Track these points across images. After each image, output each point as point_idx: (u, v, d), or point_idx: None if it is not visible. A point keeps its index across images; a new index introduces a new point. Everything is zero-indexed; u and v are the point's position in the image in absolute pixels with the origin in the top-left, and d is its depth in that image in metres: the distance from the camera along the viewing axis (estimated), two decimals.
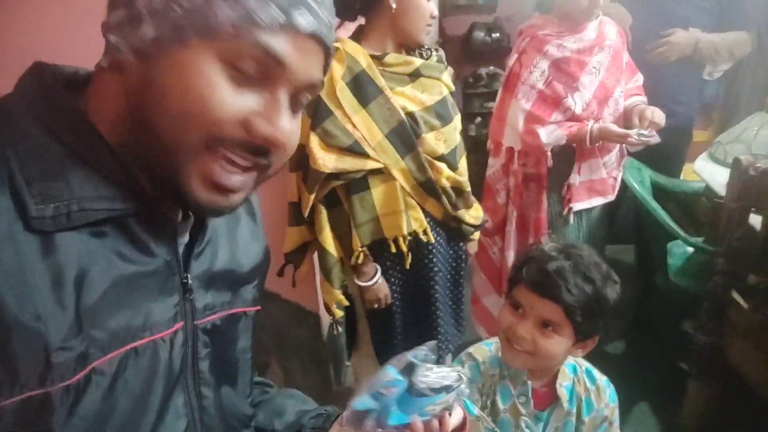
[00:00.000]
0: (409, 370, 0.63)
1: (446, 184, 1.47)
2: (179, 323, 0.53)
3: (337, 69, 1.31)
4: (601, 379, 1.14)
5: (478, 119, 4.32)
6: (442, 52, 1.64)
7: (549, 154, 1.87)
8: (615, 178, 2.01)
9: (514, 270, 1.07)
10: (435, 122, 1.42)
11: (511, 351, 1.02)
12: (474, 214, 1.61)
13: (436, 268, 1.56)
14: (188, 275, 0.54)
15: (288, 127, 0.48)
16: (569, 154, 1.90)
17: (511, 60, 1.95)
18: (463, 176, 1.54)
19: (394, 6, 1.31)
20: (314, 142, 1.32)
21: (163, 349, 0.51)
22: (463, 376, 0.65)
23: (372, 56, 1.35)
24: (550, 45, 1.82)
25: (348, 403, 0.62)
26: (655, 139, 1.75)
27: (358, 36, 1.42)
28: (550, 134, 1.82)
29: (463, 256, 1.66)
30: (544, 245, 1.07)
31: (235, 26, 0.43)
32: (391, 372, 0.63)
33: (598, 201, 1.99)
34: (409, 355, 0.64)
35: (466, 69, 4.55)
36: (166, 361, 0.52)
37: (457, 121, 1.52)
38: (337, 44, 1.34)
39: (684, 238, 1.91)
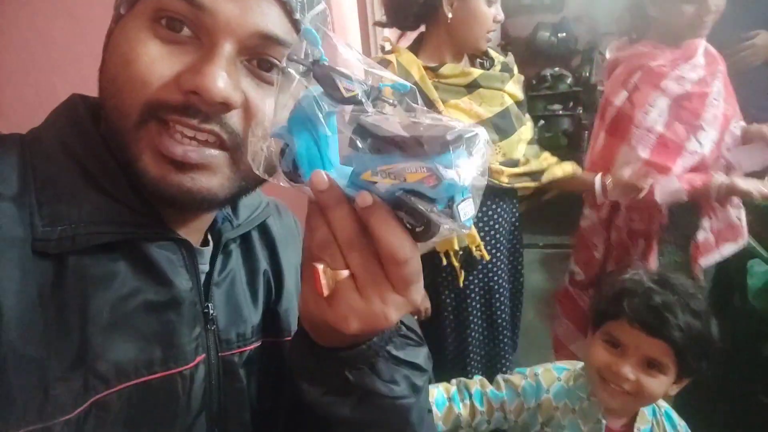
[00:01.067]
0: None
1: (509, 182, 1.36)
2: (200, 356, 0.49)
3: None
4: (681, 424, 1.02)
5: (541, 122, 4.17)
6: (510, 58, 1.48)
7: (664, 211, 1.53)
8: (740, 219, 1.63)
9: (606, 302, 0.97)
10: (492, 136, 1.33)
11: (608, 391, 0.93)
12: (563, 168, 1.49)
13: (495, 285, 1.46)
14: (209, 305, 0.51)
15: (223, 78, 0.41)
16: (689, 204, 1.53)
17: (616, 96, 1.59)
18: (532, 163, 1.42)
19: (450, 15, 1.25)
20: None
21: (182, 384, 0.47)
22: (479, 138, 0.33)
23: (427, 67, 1.29)
24: (668, 79, 1.47)
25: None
26: None
27: (416, 45, 1.38)
28: (667, 190, 1.46)
29: (520, 269, 1.56)
30: (637, 274, 0.97)
31: None
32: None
33: (730, 249, 1.60)
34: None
35: (529, 71, 4.40)
36: (185, 397, 0.48)
37: (523, 132, 1.41)
38: (392, 56, 1.29)
39: (766, 257, 1.74)
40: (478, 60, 1.40)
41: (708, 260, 1.59)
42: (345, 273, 0.37)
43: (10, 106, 1.38)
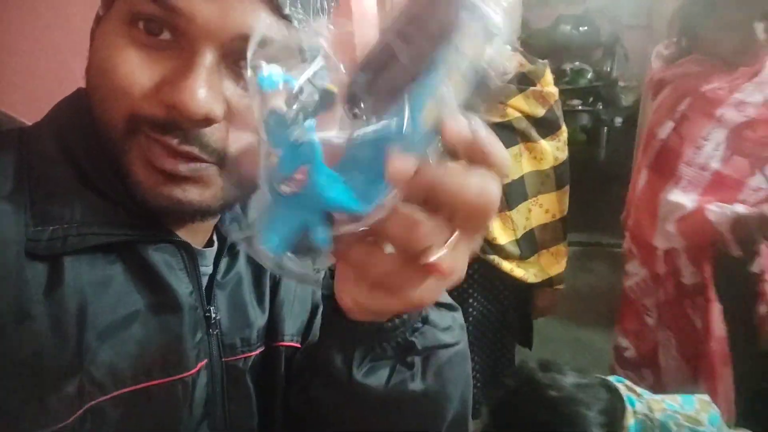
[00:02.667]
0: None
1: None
2: (202, 362, 0.48)
3: None
4: None
5: None
6: (538, 67, 1.39)
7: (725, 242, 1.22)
8: None
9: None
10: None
11: None
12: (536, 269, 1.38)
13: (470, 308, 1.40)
14: (212, 308, 0.49)
15: (204, 90, 0.38)
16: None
17: (661, 127, 1.36)
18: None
19: None
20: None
21: (183, 392, 0.46)
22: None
23: None
24: (725, 105, 1.24)
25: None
26: None
27: None
28: (725, 211, 1.21)
29: (509, 320, 1.45)
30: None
31: None
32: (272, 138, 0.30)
33: None
34: None
35: (549, 64, 4.34)
36: (186, 405, 0.46)
37: (529, 149, 1.35)
38: None
39: None
40: None
41: None
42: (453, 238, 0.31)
43: (30, 92, 1.39)
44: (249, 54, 0.30)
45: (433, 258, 0.30)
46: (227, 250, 0.52)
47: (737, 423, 1.18)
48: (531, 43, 4.34)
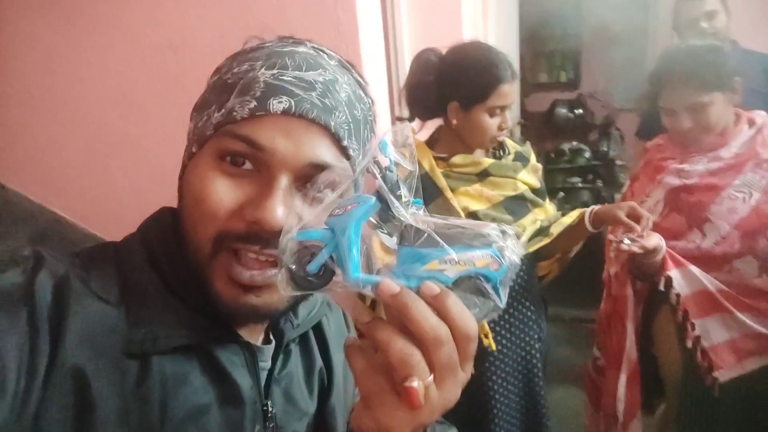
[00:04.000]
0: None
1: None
2: None
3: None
4: None
5: (561, 194, 4.23)
6: (527, 147, 1.51)
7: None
8: None
9: None
10: (505, 217, 1.36)
11: None
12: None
13: (498, 379, 1.42)
14: (269, 402, 0.54)
15: (281, 209, 0.46)
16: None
17: (625, 186, 1.69)
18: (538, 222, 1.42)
19: (454, 122, 1.33)
20: (375, 243, 1.31)
21: None
22: (509, 232, 0.39)
23: (438, 158, 1.36)
24: (665, 172, 1.49)
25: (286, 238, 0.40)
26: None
27: (434, 135, 1.45)
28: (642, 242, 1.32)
29: (537, 356, 1.48)
30: None
31: (218, 124, 0.48)
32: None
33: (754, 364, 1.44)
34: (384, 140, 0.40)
35: (548, 145, 4.52)
36: None
37: (538, 212, 1.44)
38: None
39: None
40: (491, 151, 1.44)
41: (727, 375, 1.42)
42: (431, 377, 0.37)
43: (70, 186, 1.50)
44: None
45: (409, 383, 0.36)
46: (283, 348, 0.58)
47: None
48: (529, 126, 4.57)
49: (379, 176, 0.39)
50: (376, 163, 0.39)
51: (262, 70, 0.49)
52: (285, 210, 0.47)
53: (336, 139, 0.50)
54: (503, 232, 0.39)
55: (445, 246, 0.37)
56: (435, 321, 0.37)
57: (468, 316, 0.38)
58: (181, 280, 0.51)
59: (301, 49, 0.52)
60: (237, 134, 0.47)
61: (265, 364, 0.57)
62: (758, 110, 1.49)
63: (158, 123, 1.42)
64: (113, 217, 1.53)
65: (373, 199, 0.39)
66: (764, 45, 2.07)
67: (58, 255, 0.49)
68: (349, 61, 0.57)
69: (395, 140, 0.41)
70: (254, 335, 0.57)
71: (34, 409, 0.40)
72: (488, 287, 0.39)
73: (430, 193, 1.34)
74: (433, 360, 0.37)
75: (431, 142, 1.42)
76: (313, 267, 0.39)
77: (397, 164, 0.40)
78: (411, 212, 0.40)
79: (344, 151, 0.51)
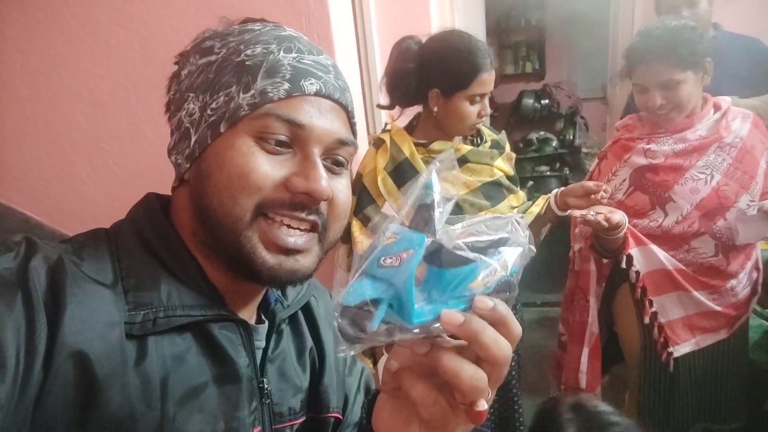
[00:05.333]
0: (425, 222, 0.39)
1: None
2: (257, 428, 0.54)
3: (381, 160, 1.36)
4: None
5: (530, 183, 4.32)
6: (503, 135, 1.55)
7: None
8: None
9: None
10: (483, 203, 1.39)
11: None
12: None
13: None
14: (264, 380, 0.56)
15: (325, 180, 0.51)
16: None
17: (593, 164, 1.71)
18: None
19: (435, 109, 1.35)
20: (356, 227, 1.36)
21: None
22: (518, 223, 0.40)
23: (418, 144, 1.38)
24: (633, 151, 1.53)
25: (335, 301, 0.38)
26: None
27: (412, 122, 1.47)
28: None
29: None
30: (556, 411, 0.97)
31: (252, 105, 0.50)
32: (396, 229, 0.39)
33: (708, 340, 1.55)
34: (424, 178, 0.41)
35: (516, 134, 4.60)
36: None
37: (512, 199, 1.48)
38: (386, 135, 1.39)
39: (759, 311, 1.77)
40: (469, 139, 1.48)
41: (681, 349, 1.53)
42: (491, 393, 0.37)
43: (35, 186, 1.45)
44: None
45: (481, 407, 0.36)
46: (275, 328, 0.59)
47: None
48: (498, 117, 4.64)
49: (434, 213, 0.39)
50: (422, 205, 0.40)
51: (282, 53, 0.52)
52: (327, 180, 0.51)
53: (349, 117, 0.57)
54: (517, 222, 0.40)
55: (487, 259, 0.37)
56: (504, 342, 0.36)
57: (517, 325, 0.38)
58: (176, 261, 0.51)
59: (292, 33, 0.56)
60: (277, 114, 0.50)
61: (260, 343, 0.58)
62: (726, 96, 1.54)
63: (124, 120, 1.40)
64: (80, 216, 1.50)
65: (424, 239, 0.38)
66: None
67: (50, 242, 0.49)
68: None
69: (442, 166, 0.43)
70: (247, 315, 0.58)
71: (35, 391, 0.40)
72: (515, 281, 0.38)
73: (409, 179, 1.34)
74: (494, 378, 0.37)
75: (410, 128, 1.44)
76: (374, 325, 0.36)
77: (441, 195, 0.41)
78: (442, 228, 0.39)
79: (353, 128, 0.57)
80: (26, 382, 0.40)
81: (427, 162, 1.37)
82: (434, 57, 1.32)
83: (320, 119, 0.52)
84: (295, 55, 0.53)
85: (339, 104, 0.54)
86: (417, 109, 1.45)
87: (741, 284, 1.52)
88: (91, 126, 1.42)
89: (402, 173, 1.35)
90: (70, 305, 0.43)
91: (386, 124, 1.46)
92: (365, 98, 1.57)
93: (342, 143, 0.54)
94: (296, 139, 0.52)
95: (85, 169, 1.46)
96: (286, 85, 0.51)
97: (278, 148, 0.51)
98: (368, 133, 1.61)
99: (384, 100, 1.43)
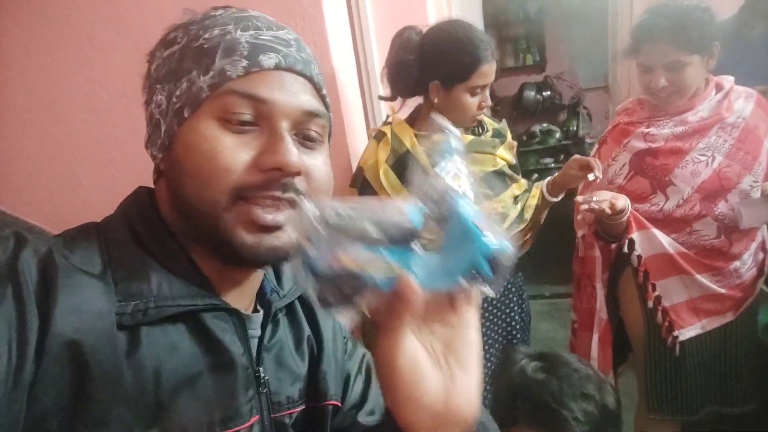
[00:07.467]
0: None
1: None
2: (255, 417, 0.54)
3: (382, 153, 1.35)
4: None
5: (535, 176, 4.30)
6: (504, 125, 1.54)
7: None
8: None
9: (501, 406, 0.98)
10: (486, 192, 1.39)
11: None
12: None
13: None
14: (260, 368, 0.56)
15: (295, 154, 0.50)
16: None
17: (593, 149, 1.68)
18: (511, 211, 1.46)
19: (436, 101, 1.35)
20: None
21: None
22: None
23: (419, 135, 1.37)
24: (632, 136, 1.50)
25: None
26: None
27: (414, 114, 1.47)
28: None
29: (517, 327, 1.51)
30: (523, 366, 0.98)
31: (212, 86, 0.50)
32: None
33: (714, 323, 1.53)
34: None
35: (519, 127, 4.59)
36: None
37: (515, 188, 1.49)
38: (387, 127, 1.38)
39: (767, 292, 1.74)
40: (470, 129, 1.47)
41: (687, 333, 1.51)
42: None
43: (37, 194, 1.47)
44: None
45: None
46: (271, 318, 0.59)
47: None
48: (500, 110, 4.62)
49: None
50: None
51: (239, 32, 0.52)
52: (297, 152, 0.51)
53: (317, 89, 0.55)
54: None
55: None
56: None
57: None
58: (166, 252, 0.51)
59: (253, 13, 0.56)
60: (236, 91, 0.50)
61: (255, 332, 0.58)
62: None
63: (124, 126, 1.40)
64: (82, 223, 1.50)
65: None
66: None
67: (39, 236, 0.49)
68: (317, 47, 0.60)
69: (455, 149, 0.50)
70: (242, 303, 0.58)
71: (28, 382, 0.40)
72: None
73: (413, 170, 1.33)
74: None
75: (411, 120, 1.44)
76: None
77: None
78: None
79: (323, 100, 0.56)
80: (19, 373, 0.40)
81: (428, 155, 1.36)
82: (435, 48, 1.31)
83: (282, 93, 0.51)
84: (253, 32, 0.52)
85: (303, 76, 0.53)
86: (418, 100, 1.44)
87: (746, 265, 1.50)
88: (91, 133, 1.43)
89: (404, 166, 1.34)
90: (60, 296, 0.44)
91: (387, 117, 1.46)
92: (363, 92, 1.57)
93: (311, 114, 0.53)
94: (261, 116, 0.51)
95: (86, 175, 1.47)
96: (244, 62, 0.50)
97: (243, 128, 0.50)
98: (367, 127, 1.61)
99: (385, 91, 1.43)
